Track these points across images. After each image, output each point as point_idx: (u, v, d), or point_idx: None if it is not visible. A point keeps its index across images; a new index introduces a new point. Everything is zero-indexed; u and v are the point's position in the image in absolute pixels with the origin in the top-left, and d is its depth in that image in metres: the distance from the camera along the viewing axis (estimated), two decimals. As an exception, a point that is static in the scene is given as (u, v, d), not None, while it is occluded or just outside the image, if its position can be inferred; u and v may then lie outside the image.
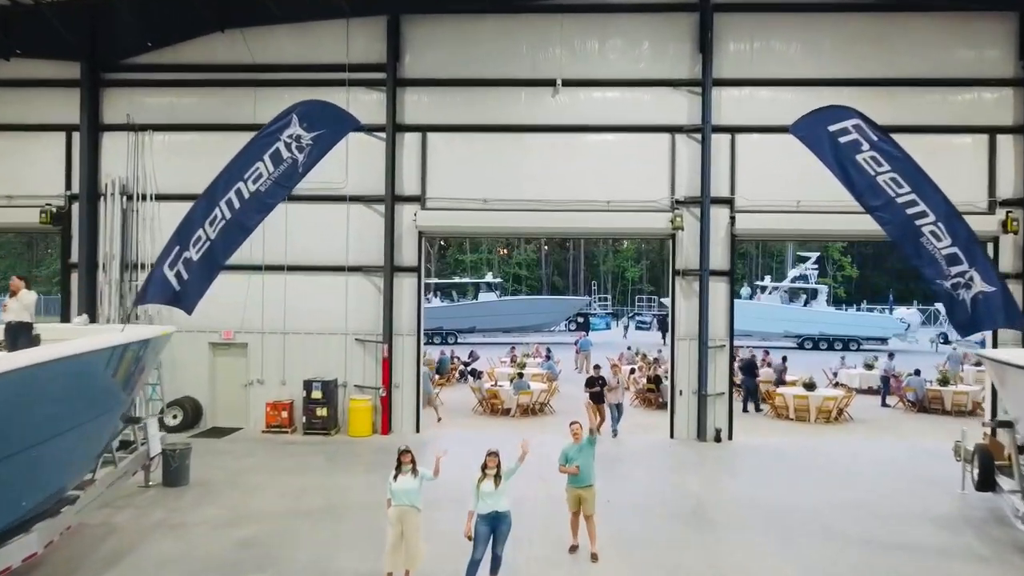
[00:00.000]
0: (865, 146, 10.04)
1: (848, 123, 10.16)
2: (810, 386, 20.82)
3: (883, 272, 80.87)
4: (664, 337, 46.52)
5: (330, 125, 10.81)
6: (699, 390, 17.59)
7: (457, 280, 53.83)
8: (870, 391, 24.81)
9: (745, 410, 21.47)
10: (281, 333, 18.31)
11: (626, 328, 55.50)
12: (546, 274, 76.63)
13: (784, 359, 25.05)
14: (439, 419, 19.65)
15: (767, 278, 49.34)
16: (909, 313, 45.01)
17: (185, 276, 10.29)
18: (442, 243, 78.71)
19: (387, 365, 17.88)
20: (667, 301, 52.22)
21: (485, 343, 44.06)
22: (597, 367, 19.51)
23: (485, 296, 47.03)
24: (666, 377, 22.33)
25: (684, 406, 17.79)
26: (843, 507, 12.40)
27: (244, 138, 12.10)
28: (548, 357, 26.42)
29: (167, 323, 17.74)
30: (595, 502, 10.30)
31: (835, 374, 26.95)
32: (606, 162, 17.96)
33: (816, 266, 45.97)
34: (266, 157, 10.53)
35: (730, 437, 17.64)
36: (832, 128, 10.18)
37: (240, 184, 10.46)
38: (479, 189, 18.04)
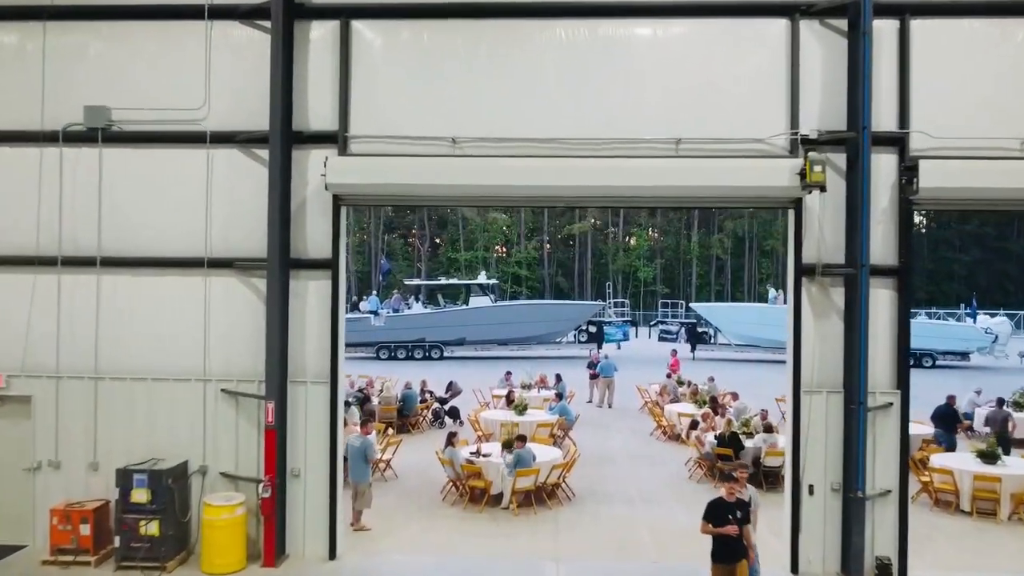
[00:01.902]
0: None
1: None
2: (991, 455, 12.75)
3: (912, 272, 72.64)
4: (693, 352, 38.20)
5: None
6: (846, 486, 9.54)
7: (444, 282, 45.71)
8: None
9: None
10: (92, 378, 10.26)
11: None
12: (549, 274, 68.72)
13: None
14: (355, 525, 11.11)
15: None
16: (997, 322, 36.80)
17: None
18: (436, 240, 70.88)
19: (273, 438, 9.81)
20: (696, 305, 44.01)
21: (477, 357, 36.16)
22: (728, 476, 8.43)
23: (477, 300, 38.92)
24: (750, 435, 14.29)
25: (818, 512, 9.71)
26: None
27: None
28: (560, 395, 18.06)
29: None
30: None
31: (968, 416, 18.84)
32: (671, 72, 9.95)
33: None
34: None
35: (904, 573, 9.58)
36: None
37: None
38: (443, 121, 10.01)
